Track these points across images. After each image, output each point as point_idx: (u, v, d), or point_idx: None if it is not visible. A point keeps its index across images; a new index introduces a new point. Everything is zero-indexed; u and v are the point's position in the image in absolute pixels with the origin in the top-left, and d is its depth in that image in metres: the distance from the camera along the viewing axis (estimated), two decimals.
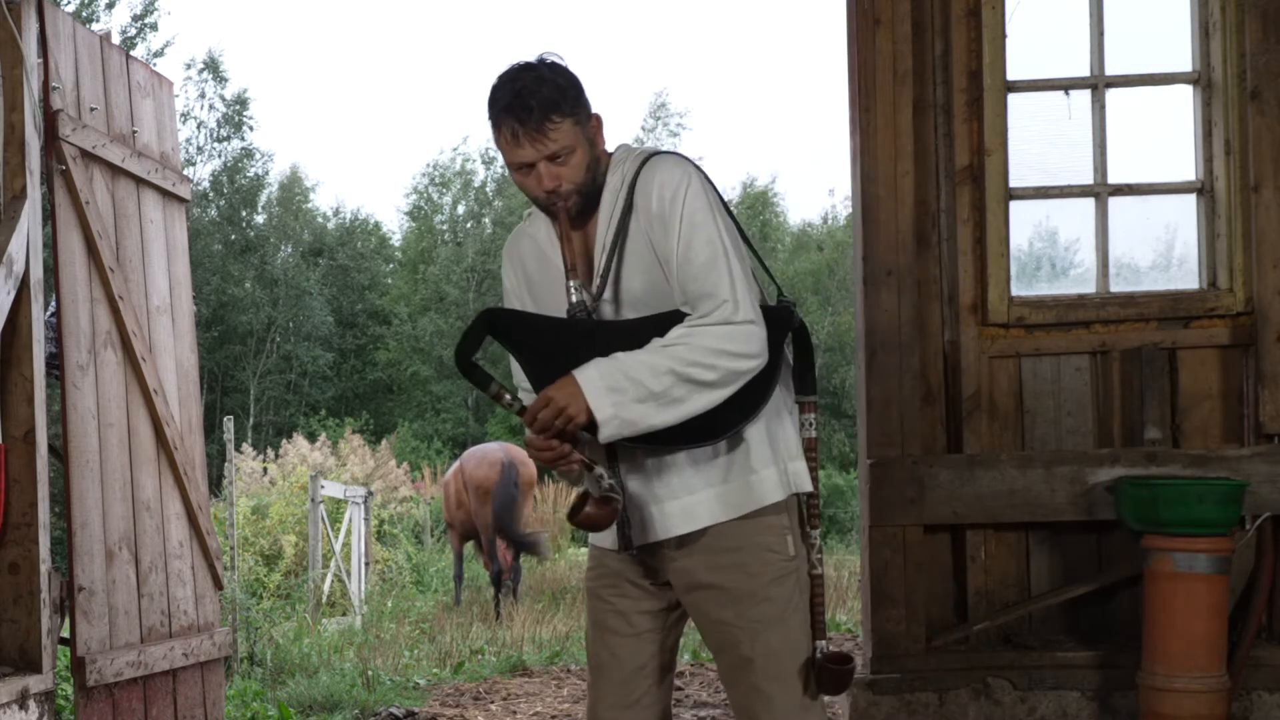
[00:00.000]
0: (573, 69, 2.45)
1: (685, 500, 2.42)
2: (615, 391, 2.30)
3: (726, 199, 2.51)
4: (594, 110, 2.46)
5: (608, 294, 2.44)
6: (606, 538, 2.52)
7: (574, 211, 2.43)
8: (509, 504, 10.41)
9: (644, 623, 2.53)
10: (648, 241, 2.40)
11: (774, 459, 2.44)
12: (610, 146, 2.53)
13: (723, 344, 2.30)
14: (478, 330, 2.39)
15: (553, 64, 2.43)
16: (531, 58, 2.45)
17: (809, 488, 2.51)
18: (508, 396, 2.35)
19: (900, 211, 4.16)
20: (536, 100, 2.36)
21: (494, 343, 2.43)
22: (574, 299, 2.40)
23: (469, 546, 11.42)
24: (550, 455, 2.35)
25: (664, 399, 2.30)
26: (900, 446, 4.13)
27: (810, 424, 2.55)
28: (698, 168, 2.45)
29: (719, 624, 2.45)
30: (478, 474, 10.66)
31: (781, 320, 2.47)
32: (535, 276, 2.54)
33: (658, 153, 2.47)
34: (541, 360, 2.38)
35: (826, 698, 2.63)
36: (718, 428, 2.37)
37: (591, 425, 2.30)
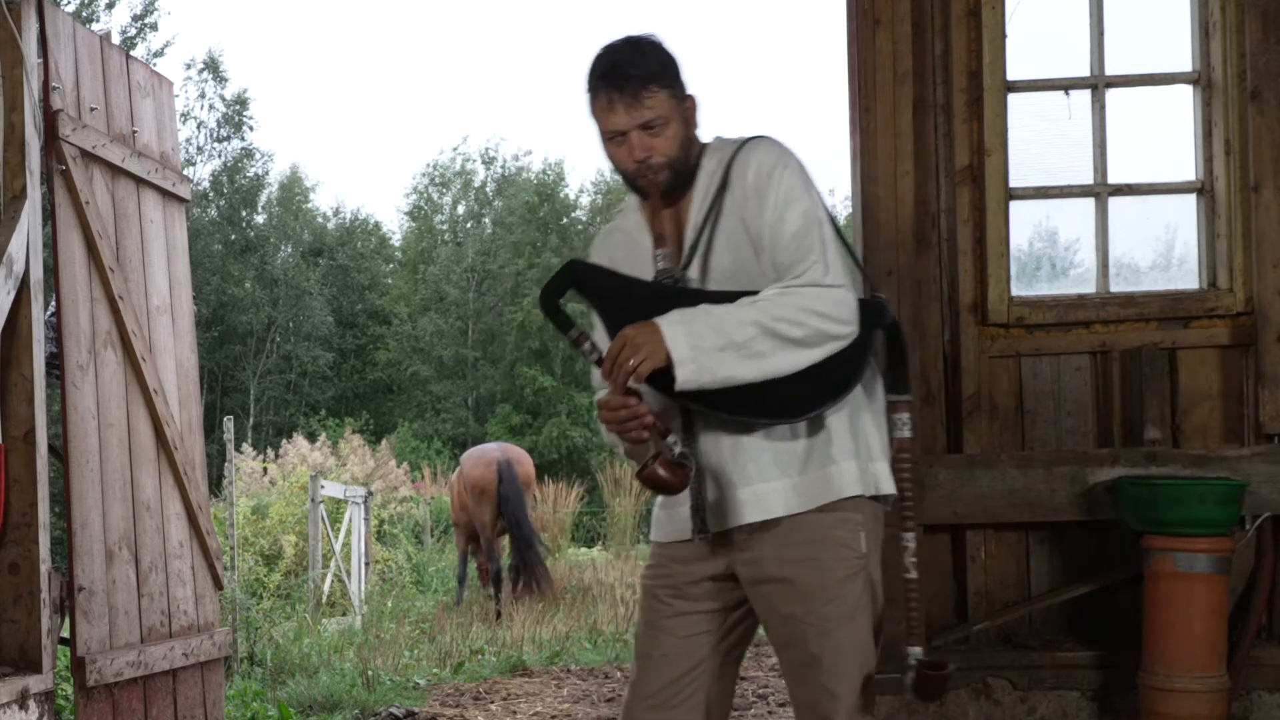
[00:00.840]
0: (672, 50, 2.44)
1: (760, 488, 2.36)
2: (695, 335, 2.24)
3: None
4: (691, 93, 2.45)
5: (695, 269, 2.41)
6: (676, 528, 2.45)
7: (664, 186, 2.41)
8: (519, 501, 10.41)
9: (698, 624, 2.48)
10: (741, 220, 2.38)
11: (855, 453, 2.38)
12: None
13: (811, 303, 2.26)
14: (563, 277, 2.35)
15: (653, 40, 2.43)
16: (635, 34, 2.45)
17: (889, 490, 2.44)
18: (588, 343, 2.28)
19: (900, 211, 4.16)
20: (634, 69, 2.36)
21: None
22: (660, 266, 2.38)
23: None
24: (623, 414, 2.27)
25: (746, 350, 2.24)
26: None
27: (904, 424, 2.48)
28: (795, 153, 2.43)
29: (787, 619, 2.39)
30: (474, 474, 10.67)
31: (872, 315, 2.42)
32: (623, 264, 2.49)
33: (756, 136, 2.47)
34: (623, 316, 2.32)
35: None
36: (799, 406, 2.32)
37: (668, 373, 2.23)
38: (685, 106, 2.44)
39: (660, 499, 2.50)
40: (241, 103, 32.58)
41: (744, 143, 2.45)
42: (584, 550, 16.70)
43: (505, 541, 10.68)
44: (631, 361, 2.23)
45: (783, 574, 2.37)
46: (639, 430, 2.28)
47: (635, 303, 2.34)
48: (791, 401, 2.31)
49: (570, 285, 2.36)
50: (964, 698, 4.07)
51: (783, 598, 2.38)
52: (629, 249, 2.51)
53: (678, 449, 2.29)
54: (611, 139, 2.41)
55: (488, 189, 36.54)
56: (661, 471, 2.27)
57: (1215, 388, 4.22)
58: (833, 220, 2.43)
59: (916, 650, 2.45)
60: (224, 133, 32.58)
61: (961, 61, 4.23)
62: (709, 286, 2.39)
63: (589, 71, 2.42)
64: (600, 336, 2.45)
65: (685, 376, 2.24)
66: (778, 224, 2.34)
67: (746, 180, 2.38)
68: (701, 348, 2.23)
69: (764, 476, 2.36)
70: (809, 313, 2.26)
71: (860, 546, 2.39)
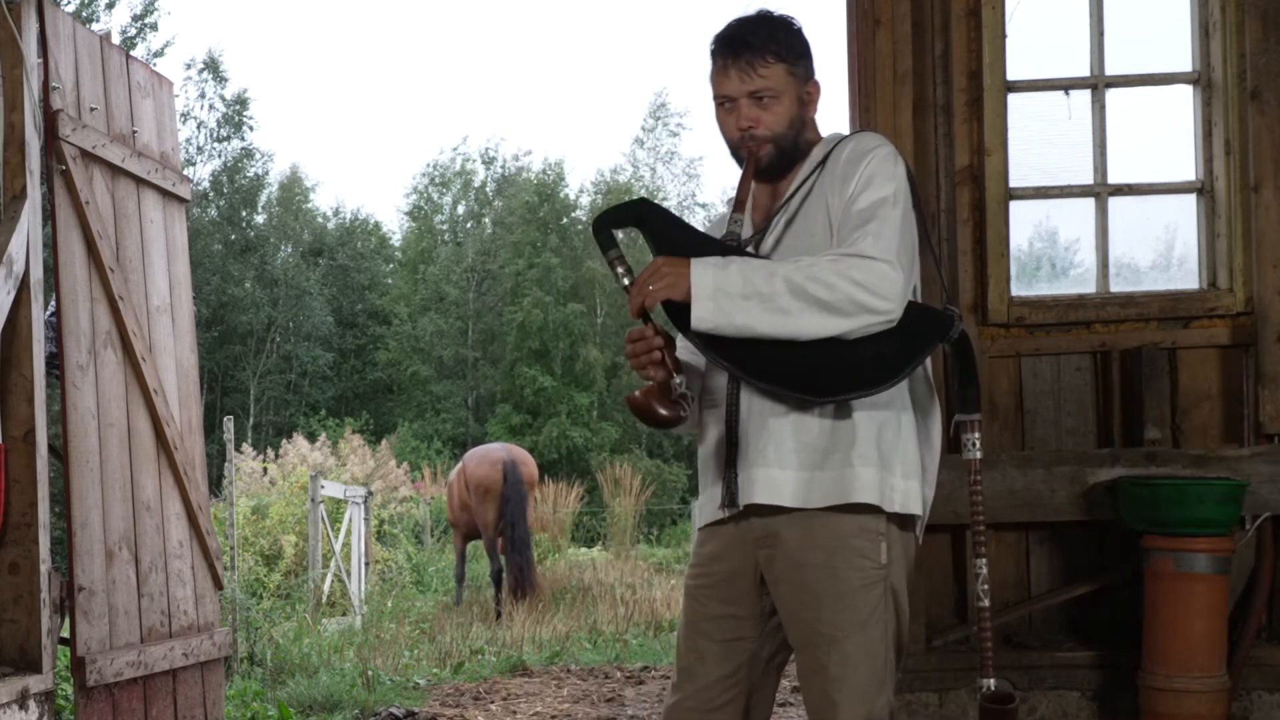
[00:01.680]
0: (805, 34, 2.44)
1: (774, 472, 2.32)
2: (722, 277, 2.22)
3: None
4: (817, 79, 2.46)
5: (770, 240, 2.40)
6: (711, 508, 2.43)
7: (765, 162, 2.41)
8: (520, 503, 10.41)
9: (737, 629, 2.45)
10: (825, 202, 2.37)
11: (879, 462, 2.32)
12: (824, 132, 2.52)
13: (849, 270, 2.21)
14: (630, 210, 2.36)
15: (786, 19, 2.44)
16: (771, 10, 2.46)
17: (915, 511, 2.37)
18: (622, 267, 2.27)
19: None
20: (755, 38, 2.38)
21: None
22: (730, 228, 2.38)
23: (474, 546, 11.42)
24: (639, 345, 2.28)
25: (771, 303, 2.21)
26: None
27: (973, 445, 2.43)
28: (895, 150, 2.41)
29: (800, 622, 2.36)
30: (478, 473, 10.68)
31: (938, 325, 2.34)
32: (713, 229, 2.51)
33: (865, 130, 2.49)
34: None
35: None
36: (824, 386, 2.26)
37: (688, 316, 2.22)
38: (804, 89, 2.44)
39: (703, 481, 2.48)
40: (241, 103, 32.57)
41: (852, 133, 2.47)
42: (584, 550, 16.70)
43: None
44: (651, 286, 2.23)
45: (798, 577, 2.34)
46: (649, 361, 2.28)
47: (688, 249, 2.31)
48: (815, 378, 2.25)
49: (632, 221, 2.36)
50: (964, 698, 4.07)
51: (798, 601, 2.36)
52: (720, 218, 2.53)
53: (680, 389, 2.28)
54: (722, 104, 2.42)
55: (488, 189, 36.52)
56: (654, 401, 2.26)
57: (1215, 388, 4.22)
58: (917, 214, 2.39)
59: (989, 682, 2.41)
60: (224, 133, 32.56)
61: (961, 61, 4.23)
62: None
63: (714, 36, 2.44)
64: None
65: (700, 314, 2.22)
66: (851, 202, 2.33)
67: (839, 162, 2.38)
68: (725, 290, 2.21)
69: (782, 463, 2.32)
70: (844, 278, 2.20)
71: (880, 557, 2.33)
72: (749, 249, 2.38)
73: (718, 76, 2.41)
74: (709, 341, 2.27)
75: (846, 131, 2.52)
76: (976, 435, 2.44)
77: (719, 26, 2.45)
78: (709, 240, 2.37)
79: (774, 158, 2.42)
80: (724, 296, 2.21)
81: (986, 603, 2.41)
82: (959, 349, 2.42)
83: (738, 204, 2.41)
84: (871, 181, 2.33)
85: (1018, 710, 2.40)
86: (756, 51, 2.37)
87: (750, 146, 2.40)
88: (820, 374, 2.25)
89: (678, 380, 2.27)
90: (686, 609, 2.51)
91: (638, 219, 2.35)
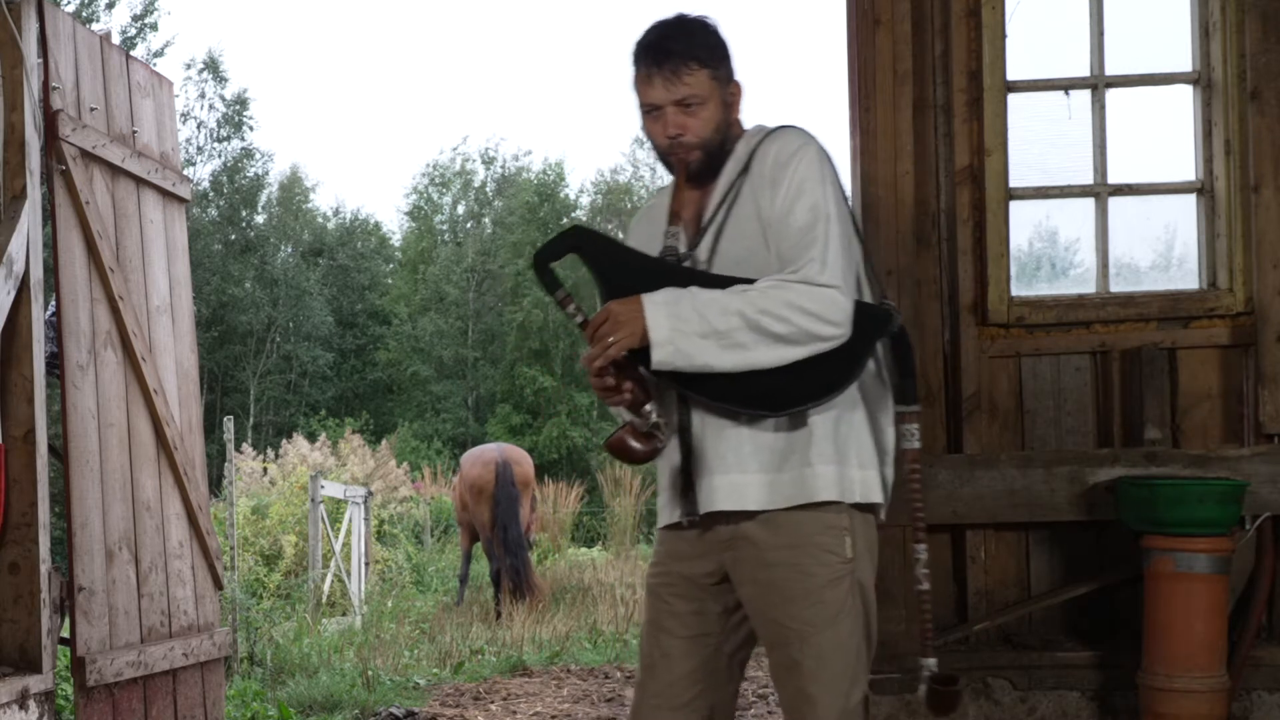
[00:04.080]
0: (724, 34, 2.45)
1: (735, 478, 2.35)
2: (677, 318, 2.24)
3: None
4: (738, 79, 2.46)
5: (704, 250, 2.41)
6: (671, 511, 2.45)
7: (694, 168, 2.42)
8: (511, 505, 10.40)
9: (701, 625, 2.47)
10: (755, 205, 2.37)
11: (836, 458, 2.36)
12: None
13: (800, 300, 2.24)
14: (565, 241, 2.37)
15: (704, 21, 2.43)
16: (688, 13, 2.46)
17: (876, 499, 2.43)
18: (572, 305, 2.30)
19: (900, 211, 4.16)
20: (677, 45, 2.38)
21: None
22: (666, 242, 2.38)
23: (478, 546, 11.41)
24: (599, 384, 2.30)
25: (726, 340, 2.24)
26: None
27: (913, 435, 2.47)
28: (820, 144, 2.42)
29: (770, 622, 2.39)
30: (472, 473, 10.70)
31: (877, 320, 2.39)
32: (644, 239, 2.51)
33: (785, 125, 2.46)
34: (618, 285, 2.33)
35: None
36: (780, 400, 2.30)
37: (646, 351, 2.25)
38: (728, 91, 2.44)
39: (661, 484, 2.50)
40: (241, 103, 32.57)
41: (771, 130, 2.45)
42: (584, 550, 16.70)
43: None
44: (610, 339, 2.25)
45: (766, 577, 2.37)
46: (619, 398, 2.31)
47: (632, 273, 2.34)
48: (773, 394, 2.29)
49: (569, 249, 2.37)
50: (964, 698, 4.07)
51: (766, 601, 2.38)
52: (650, 226, 2.53)
53: (652, 419, 2.30)
54: (648, 113, 2.42)
55: (488, 189, 36.54)
56: (630, 440, 2.29)
57: (1215, 388, 4.21)
58: (850, 218, 2.41)
59: (930, 662, 2.44)
60: (224, 133, 32.56)
61: (961, 61, 4.23)
62: (715, 270, 2.38)
63: (635, 43, 2.44)
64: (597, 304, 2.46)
65: (660, 358, 2.25)
66: (785, 215, 2.33)
67: (765, 167, 2.38)
68: (681, 331, 2.24)
69: (741, 467, 2.35)
70: (796, 309, 2.24)
71: (845, 552, 2.37)
72: (686, 263, 2.39)
73: (642, 85, 2.41)
74: (669, 376, 2.31)
75: (771, 126, 2.48)
76: (915, 426, 2.48)
77: (735, 21, 2.46)
78: (648, 261, 2.38)
79: (702, 163, 2.43)
80: (681, 338, 2.24)
81: (926, 585, 2.46)
82: (896, 342, 2.46)
83: (672, 216, 2.41)
84: (802, 189, 2.33)
85: (962, 694, 2.44)
86: (680, 58, 2.36)
87: (679, 154, 2.41)
88: (779, 391, 2.30)
89: (648, 409, 2.31)
90: (650, 607, 2.54)
91: (574, 247, 2.37)
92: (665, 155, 2.44)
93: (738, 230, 2.39)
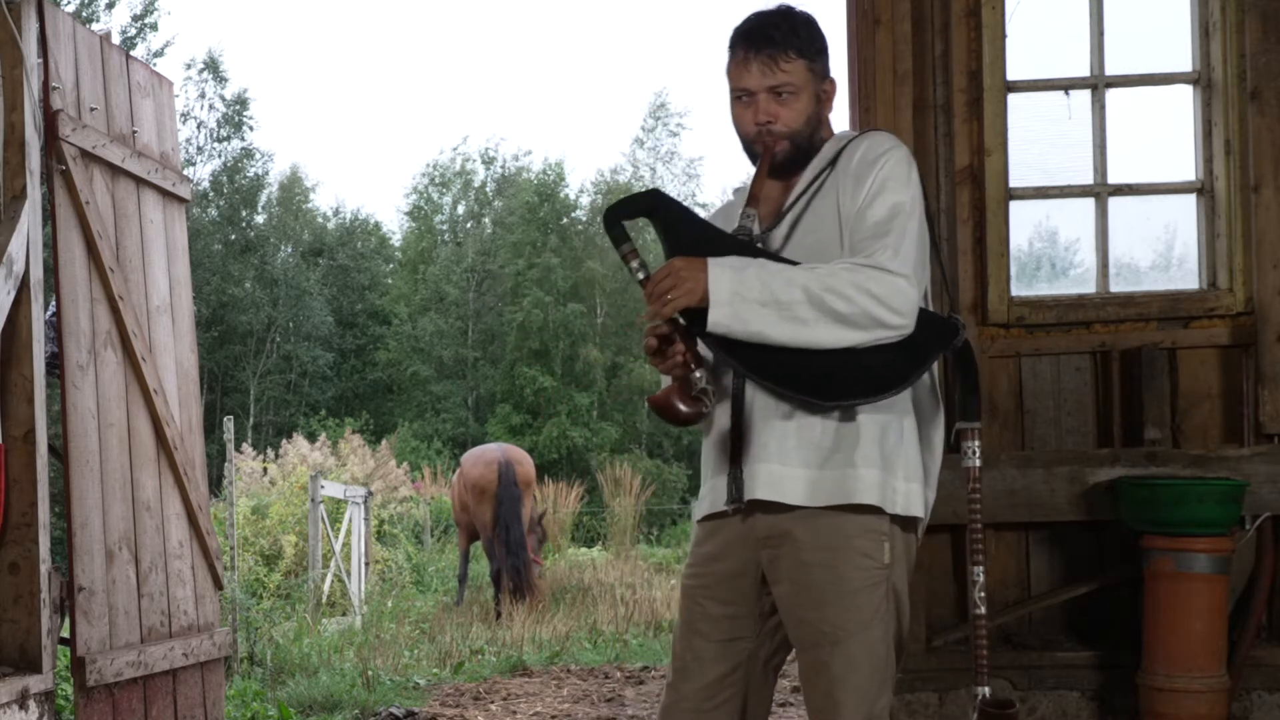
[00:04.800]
0: (823, 31, 2.44)
1: (775, 468, 2.31)
2: (740, 283, 2.21)
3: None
4: (833, 77, 2.46)
5: (778, 237, 2.39)
6: (715, 499, 2.41)
7: (780, 158, 2.40)
8: (514, 505, 10.40)
9: (734, 629, 2.44)
10: (836, 201, 2.36)
11: (881, 464, 2.31)
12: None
13: (868, 283, 2.21)
14: (641, 201, 2.35)
15: (807, 16, 2.42)
16: (792, 5, 2.46)
17: (916, 513, 2.38)
18: (636, 261, 2.27)
19: None
20: (778, 32, 2.37)
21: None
22: (742, 223, 2.36)
23: (477, 546, 11.41)
24: (662, 349, 2.28)
25: (787, 312, 2.21)
26: None
27: (973, 452, 2.43)
28: (908, 151, 2.43)
29: (803, 623, 2.36)
30: (474, 473, 10.69)
31: (942, 332, 2.35)
32: (722, 224, 2.50)
33: (878, 129, 2.48)
34: (686, 253, 2.29)
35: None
36: (827, 389, 2.26)
37: (704, 316, 2.22)
38: (822, 86, 2.43)
39: (705, 472, 2.48)
40: (241, 103, 32.56)
41: (863, 131, 2.46)
42: (584, 550, 16.70)
43: None
44: (670, 294, 2.22)
45: (802, 577, 2.34)
46: (671, 358, 2.28)
47: (700, 244, 2.31)
48: (823, 383, 2.25)
49: (644, 212, 2.35)
50: (964, 698, 4.07)
51: (800, 601, 2.35)
52: (729, 211, 2.52)
53: (700, 384, 2.27)
54: (739, 98, 2.41)
55: (488, 189, 36.52)
56: (675, 399, 2.26)
57: (1215, 388, 4.21)
58: (929, 222, 2.41)
59: (984, 690, 2.42)
60: (224, 133, 32.55)
61: (961, 61, 4.23)
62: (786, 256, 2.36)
63: (733, 30, 2.43)
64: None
65: (716, 318, 2.22)
66: (865, 209, 2.32)
67: (852, 163, 2.37)
68: (742, 295, 2.21)
69: (783, 459, 2.31)
70: (863, 291, 2.21)
71: (883, 558, 2.33)
72: (759, 244, 2.37)
73: (737, 69, 2.39)
74: (722, 342, 2.27)
75: (850, 129, 2.52)
76: (977, 443, 2.44)
77: (737, 20, 2.44)
78: (721, 235, 2.36)
79: (789, 154, 2.41)
80: (741, 302, 2.21)
81: (983, 610, 2.41)
82: (961, 357, 2.43)
83: (750, 199, 2.39)
84: (885, 187, 2.32)
85: (1018, 715, 2.40)
86: (779, 46, 2.35)
87: (767, 141, 2.39)
88: (830, 380, 2.25)
89: (698, 375, 2.27)
90: (684, 608, 2.50)
91: (649, 210, 2.34)
92: (750, 143, 2.42)
93: (815, 222, 2.38)
